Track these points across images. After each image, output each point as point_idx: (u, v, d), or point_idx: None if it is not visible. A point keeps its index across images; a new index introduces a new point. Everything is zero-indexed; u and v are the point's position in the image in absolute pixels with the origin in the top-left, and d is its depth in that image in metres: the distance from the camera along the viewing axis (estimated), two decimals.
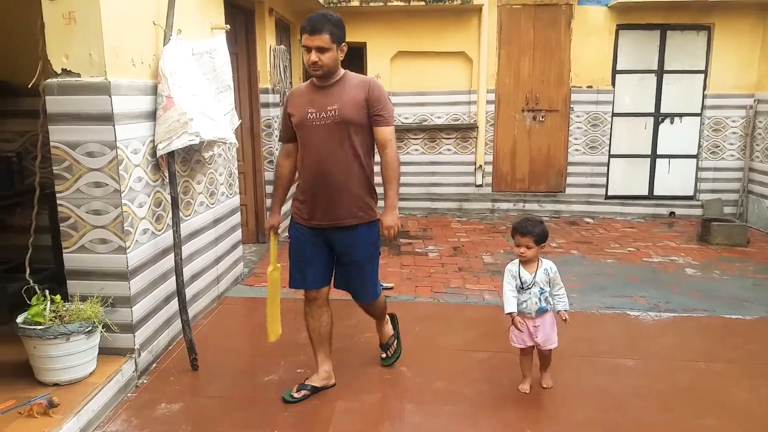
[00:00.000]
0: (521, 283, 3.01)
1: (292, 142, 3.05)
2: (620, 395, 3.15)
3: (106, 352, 3.05)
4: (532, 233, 2.95)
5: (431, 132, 7.91)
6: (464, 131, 7.86)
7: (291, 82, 7.00)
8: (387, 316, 3.44)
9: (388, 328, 3.45)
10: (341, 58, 2.87)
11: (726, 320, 4.27)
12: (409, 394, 3.15)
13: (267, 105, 5.98)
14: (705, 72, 7.63)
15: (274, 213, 3.13)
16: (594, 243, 6.47)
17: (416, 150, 7.96)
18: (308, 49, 2.76)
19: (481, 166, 7.88)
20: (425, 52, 7.73)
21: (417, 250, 6.12)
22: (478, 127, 7.77)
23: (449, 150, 7.94)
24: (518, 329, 3.02)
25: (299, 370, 3.36)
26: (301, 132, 2.93)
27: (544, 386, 3.19)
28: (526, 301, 3.01)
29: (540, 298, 3.00)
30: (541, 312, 3.02)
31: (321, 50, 2.75)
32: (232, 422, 2.86)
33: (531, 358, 3.17)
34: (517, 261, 3.06)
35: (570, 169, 7.89)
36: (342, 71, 2.92)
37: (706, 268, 5.59)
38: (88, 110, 2.92)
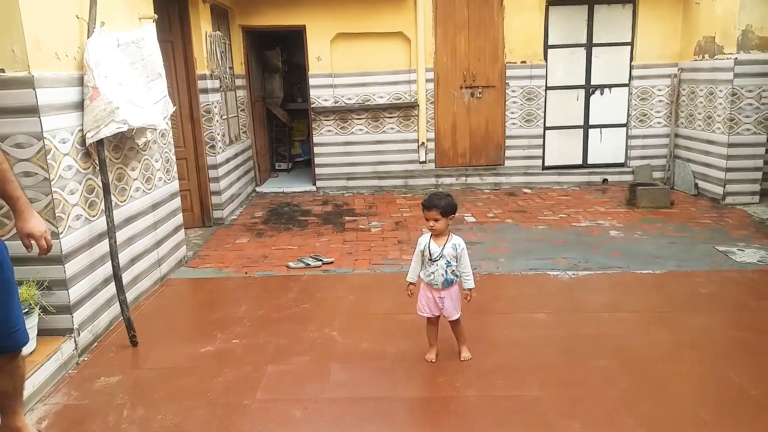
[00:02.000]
0: (430, 254, 3.14)
1: None
2: (527, 343, 3.48)
3: (46, 333, 3.22)
4: (437, 206, 3.09)
5: (374, 111, 8.11)
6: (406, 110, 8.09)
7: (231, 67, 7.11)
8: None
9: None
10: None
11: (637, 275, 4.65)
12: (337, 355, 3.41)
13: (206, 91, 6.10)
14: (631, 44, 8.01)
15: None
16: (528, 211, 6.82)
17: (360, 130, 8.16)
18: None
19: (423, 143, 8.13)
20: (364, 33, 7.88)
21: (360, 226, 6.36)
22: (419, 105, 8.01)
23: (392, 128, 8.17)
24: (409, 296, 3.25)
25: (235, 341, 3.59)
26: None
27: (462, 359, 3.28)
28: (433, 272, 3.15)
29: (446, 271, 3.14)
30: (447, 284, 3.18)
31: None
32: (168, 389, 3.07)
33: (437, 328, 3.31)
34: (428, 234, 3.20)
35: (508, 142, 8.21)
36: None
37: (629, 229, 5.98)
38: (14, 104, 3.05)
